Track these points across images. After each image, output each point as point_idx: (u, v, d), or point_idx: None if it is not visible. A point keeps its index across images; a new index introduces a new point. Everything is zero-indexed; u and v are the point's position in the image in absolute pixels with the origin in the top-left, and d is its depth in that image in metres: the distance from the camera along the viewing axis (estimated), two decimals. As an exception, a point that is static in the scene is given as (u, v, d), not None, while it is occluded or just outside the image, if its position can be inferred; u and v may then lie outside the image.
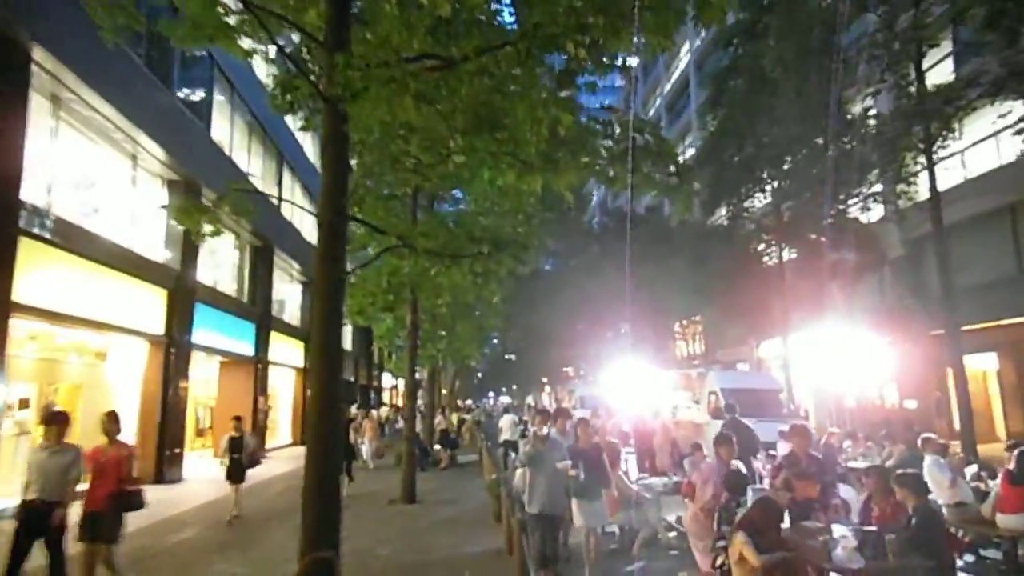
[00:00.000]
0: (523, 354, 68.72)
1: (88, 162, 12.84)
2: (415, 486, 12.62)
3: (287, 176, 24.08)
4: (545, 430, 6.78)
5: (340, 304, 5.25)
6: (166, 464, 14.69)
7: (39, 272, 10.79)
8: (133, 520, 11.11)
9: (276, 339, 23.38)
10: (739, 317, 23.81)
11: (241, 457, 10.89)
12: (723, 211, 23.42)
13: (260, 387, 21.39)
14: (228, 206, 6.19)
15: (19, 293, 10.05)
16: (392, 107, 4.11)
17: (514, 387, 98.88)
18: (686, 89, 47.16)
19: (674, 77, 50.58)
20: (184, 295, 15.58)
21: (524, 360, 70.29)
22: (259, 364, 21.37)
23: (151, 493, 13.88)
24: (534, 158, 4.84)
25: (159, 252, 15.00)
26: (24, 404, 12.45)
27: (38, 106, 11.11)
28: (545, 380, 79.23)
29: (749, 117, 19.88)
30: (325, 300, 5.07)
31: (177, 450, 15.25)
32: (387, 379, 56.26)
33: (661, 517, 8.45)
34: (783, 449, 11.07)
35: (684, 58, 48.24)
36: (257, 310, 21.41)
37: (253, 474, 13.01)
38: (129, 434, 14.19)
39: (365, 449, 17.77)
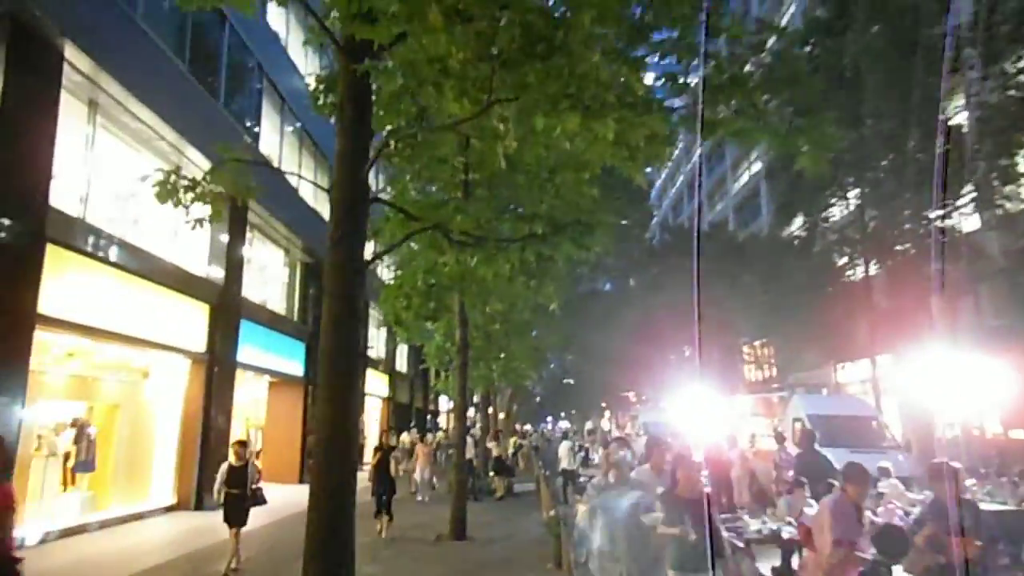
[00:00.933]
0: (582, 378, 67.01)
1: (128, 171, 12.33)
2: (465, 520, 11.44)
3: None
4: (622, 455, 5.33)
5: (356, 302, 4.21)
6: (206, 489, 13.91)
7: (71, 283, 10.19)
8: (154, 551, 10.37)
9: (328, 359, 22.71)
10: (817, 338, 21.94)
11: (244, 492, 8.63)
12: (798, 222, 21.74)
13: (311, 408, 20.67)
14: (222, 181, 5.21)
15: (47, 305, 9.44)
16: (415, 27, 3.09)
17: (573, 412, 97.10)
18: (751, 102, 45.49)
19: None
20: (228, 311, 14.95)
21: (583, 384, 68.57)
22: (310, 385, 20.66)
23: (190, 520, 13.19)
24: (604, 97, 3.72)
25: (202, 266, 14.42)
26: (77, 424, 11.86)
27: (74, 110, 10.63)
28: (604, 405, 77.27)
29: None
30: (337, 296, 4.04)
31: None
32: (444, 402, 55.40)
33: (755, 569, 7.05)
34: (887, 488, 9.45)
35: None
36: (308, 329, 20.78)
37: (289, 502, 12.13)
38: (169, 456, 13.55)
39: (418, 478, 16.50)
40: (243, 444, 8.93)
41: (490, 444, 18.94)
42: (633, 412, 35.51)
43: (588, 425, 73.15)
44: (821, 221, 19.98)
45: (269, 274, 19.22)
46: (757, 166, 44.06)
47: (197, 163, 13.68)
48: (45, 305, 9.36)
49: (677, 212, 60.12)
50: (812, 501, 8.37)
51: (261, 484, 9.09)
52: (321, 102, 7.84)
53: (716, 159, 53.48)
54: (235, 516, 8.65)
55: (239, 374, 16.94)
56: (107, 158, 11.67)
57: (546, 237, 4.76)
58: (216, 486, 8.70)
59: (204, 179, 5.40)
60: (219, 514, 13.64)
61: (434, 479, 16.78)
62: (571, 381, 76.87)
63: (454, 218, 4.97)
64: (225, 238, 14.85)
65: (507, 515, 14.50)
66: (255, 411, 20.84)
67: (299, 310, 20.91)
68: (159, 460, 13.52)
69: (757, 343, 34.26)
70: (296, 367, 20.03)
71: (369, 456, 12.42)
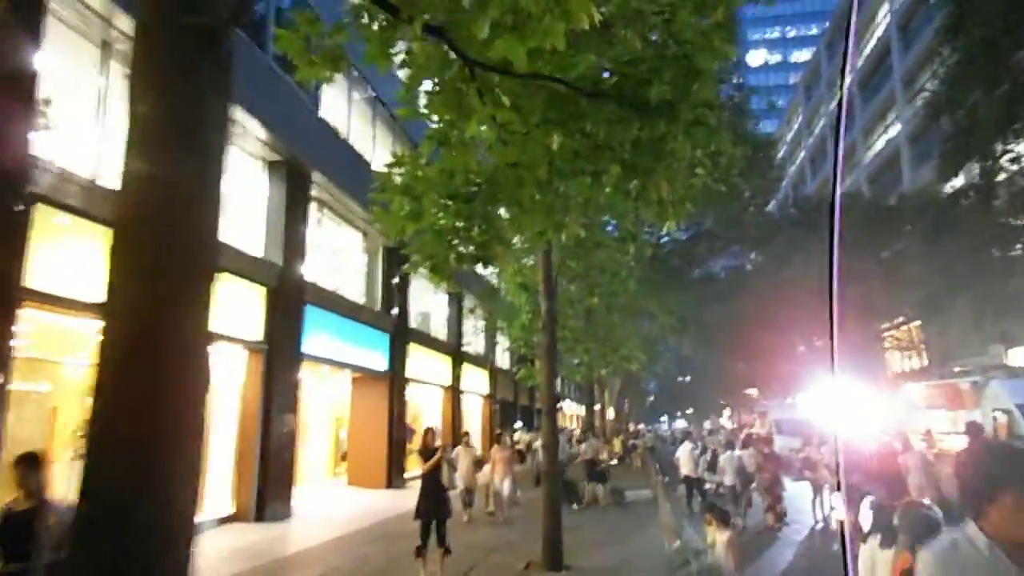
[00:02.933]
0: (699, 374, 63.12)
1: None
2: (561, 542, 8.91)
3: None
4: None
5: (201, 111, 1.84)
6: (269, 498, 12.18)
7: (75, 254, 8.56)
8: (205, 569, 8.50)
9: (417, 353, 20.89)
10: (997, 313, 17.80)
11: (31, 566, 3.89)
12: (961, 180, 17.69)
13: (398, 405, 18.82)
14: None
15: (38, 278, 7.81)
16: None
17: (689, 411, 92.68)
18: (886, 58, 40.10)
19: (868, 48, 43.43)
20: (290, 295, 13.20)
21: (700, 381, 64.64)
22: (395, 380, 18.83)
23: (249, 533, 11.45)
24: None
25: (256, 245, 12.73)
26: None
27: (80, 50, 9.04)
28: (724, 403, 72.71)
29: (1015, 34, 14.41)
30: (161, 94, 1.68)
31: (283, 480, 12.76)
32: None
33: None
34: None
35: (882, 22, 41.19)
36: (391, 319, 18.95)
37: (372, 510, 10.10)
38: (226, 460, 11.96)
39: (498, 491, 13.06)
40: (34, 463, 4.23)
41: (583, 447, 16.05)
42: (760, 408, 31.65)
43: (707, 424, 68.81)
44: (999, 169, 15.90)
45: (345, 259, 17.52)
46: (894, 129, 38.83)
47: (244, 124, 12.03)
48: (35, 279, 7.72)
49: (800, 190, 54.77)
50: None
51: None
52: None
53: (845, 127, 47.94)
54: None
55: (311, 368, 15.35)
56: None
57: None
58: None
59: None
60: (281, 526, 11.91)
61: (518, 492, 13.79)
62: (687, 378, 72.77)
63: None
64: (283, 214, 13.13)
65: (616, 531, 11.85)
66: (345, 409, 19.34)
67: (382, 298, 19.12)
68: (214, 464, 11.88)
69: (908, 326, 29.55)
70: (379, 360, 18.23)
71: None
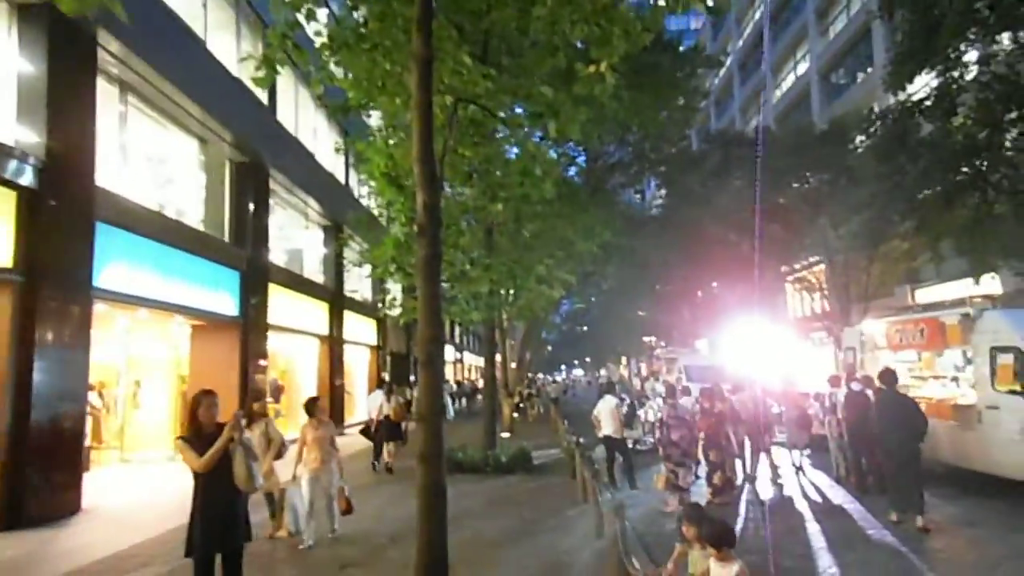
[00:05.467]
0: (597, 322, 61.85)
1: None
2: (446, 563, 5.77)
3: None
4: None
5: None
6: (32, 492, 8.46)
7: None
8: None
9: (283, 296, 17.22)
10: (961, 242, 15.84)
11: None
12: (923, 84, 15.56)
13: (252, 358, 15.13)
14: None
15: None
16: None
17: (587, 360, 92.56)
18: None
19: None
20: (67, 208, 9.25)
21: (598, 329, 63.42)
22: (249, 328, 15.10)
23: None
24: None
25: None
26: None
27: None
28: (621, 352, 72.36)
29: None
30: None
31: (63, 464, 9.05)
32: (450, 352, 49.92)
33: None
34: None
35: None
36: (243, 253, 15.09)
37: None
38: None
39: (304, 497, 7.45)
40: None
41: (380, 401, 13.26)
42: (670, 354, 29.88)
43: (602, 373, 68.07)
44: (960, 77, 13.77)
45: (174, 172, 13.47)
46: (804, 66, 37.41)
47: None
48: None
49: (702, 132, 53.37)
50: None
51: None
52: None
53: (752, 65, 46.52)
54: None
55: (131, 311, 11.60)
56: None
57: None
58: None
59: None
60: (56, 532, 8.23)
61: (346, 488, 7.68)
62: (584, 328, 71.54)
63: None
64: (45, 87, 9.06)
65: (522, 516, 8.96)
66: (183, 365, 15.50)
67: (232, 228, 15.19)
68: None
69: (814, 266, 28.07)
70: (227, 303, 14.44)
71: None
